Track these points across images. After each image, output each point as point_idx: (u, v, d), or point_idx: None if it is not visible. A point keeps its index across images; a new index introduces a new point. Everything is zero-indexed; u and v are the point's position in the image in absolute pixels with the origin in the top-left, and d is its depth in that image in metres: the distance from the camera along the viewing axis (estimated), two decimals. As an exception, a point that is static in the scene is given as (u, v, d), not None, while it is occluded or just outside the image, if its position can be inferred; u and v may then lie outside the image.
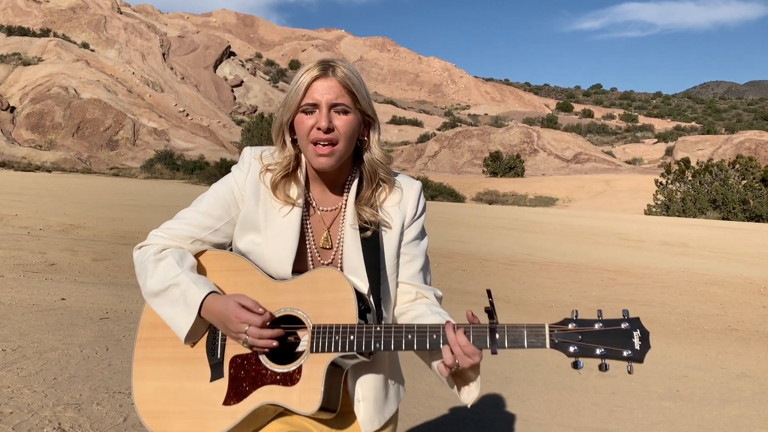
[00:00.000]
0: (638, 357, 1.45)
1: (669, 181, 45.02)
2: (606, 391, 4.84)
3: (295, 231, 1.71)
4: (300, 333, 1.67)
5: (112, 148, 72.31)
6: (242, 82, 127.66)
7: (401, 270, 1.77)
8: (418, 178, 1.88)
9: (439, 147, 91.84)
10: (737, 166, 44.58)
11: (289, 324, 1.65)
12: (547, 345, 1.49)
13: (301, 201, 1.73)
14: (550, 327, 1.51)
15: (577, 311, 1.53)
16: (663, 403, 4.65)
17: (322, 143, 1.64)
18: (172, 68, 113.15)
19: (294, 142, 1.73)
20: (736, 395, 4.93)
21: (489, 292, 1.56)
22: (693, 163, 47.43)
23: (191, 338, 1.66)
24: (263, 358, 1.61)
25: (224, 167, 45.49)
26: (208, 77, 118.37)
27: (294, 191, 1.74)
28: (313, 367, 1.58)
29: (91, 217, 14.93)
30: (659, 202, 43.62)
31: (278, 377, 1.60)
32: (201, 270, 1.73)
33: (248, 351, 1.63)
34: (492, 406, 4.36)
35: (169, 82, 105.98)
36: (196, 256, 1.76)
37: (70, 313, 5.80)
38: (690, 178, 44.22)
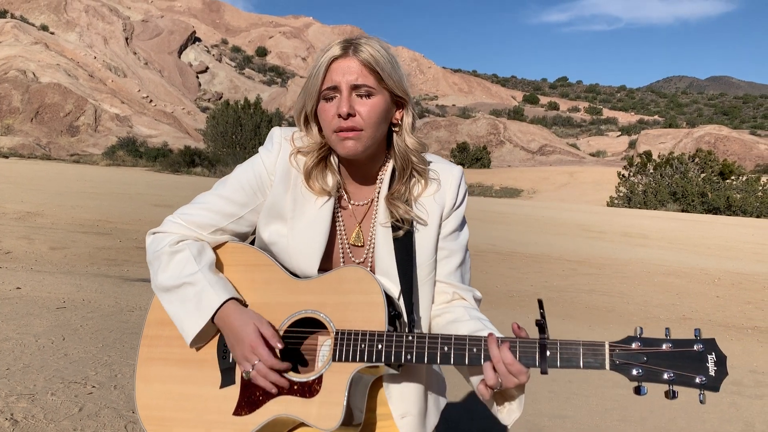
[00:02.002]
0: (713, 385, 1.28)
1: (631, 174, 45.91)
2: (562, 379, 4.94)
3: (326, 224, 1.55)
4: (321, 337, 1.53)
5: (73, 134, 70.60)
6: (207, 68, 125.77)
7: (437, 267, 1.60)
8: None
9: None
10: (697, 159, 45.67)
11: (310, 327, 1.51)
12: (607, 366, 1.31)
13: (336, 191, 1.56)
14: (610, 345, 1.32)
15: (641, 328, 1.34)
16: (617, 390, 4.77)
17: (345, 131, 1.46)
18: (135, 53, 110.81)
19: (321, 130, 1.56)
20: (687, 382, 5.09)
21: (540, 303, 1.36)
22: (655, 156, 48.43)
23: (198, 342, 1.51)
24: None
25: (188, 155, 44.81)
26: (172, 63, 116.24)
27: (330, 180, 1.56)
28: (335, 378, 1.42)
29: (49, 205, 14.58)
30: (621, 194, 44.45)
31: (296, 387, 1.44)
32: (218, 265, 1.57)
33: None
34: (448, 395, 4.41)
35: (132, 67, 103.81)
36: (215, 249, 1.60)
37: (25, 302, 5.67)
38: (651, 170, 45.14)
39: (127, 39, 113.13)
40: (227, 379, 1.49)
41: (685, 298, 9.17)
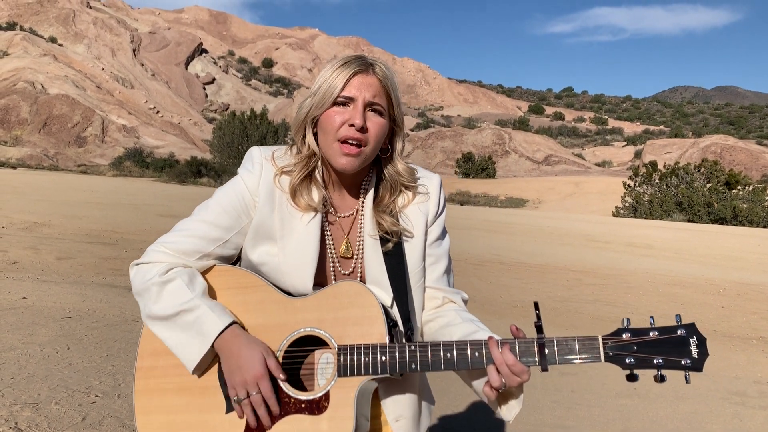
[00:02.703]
0: (697, 365, 1.38)
1: (637, 184, 45.78)
2: (566, 389, 4.94)
3: (316, 240, 1.56)
4: (318, 354, 1.53)
5: (80, 145, 71.03)
6: (214, 79, 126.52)
7: (426, 274, 1.64)
8: None
9: (413, 147, 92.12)
10: (702, 169, 45.52)
11: (311, 345, 1.52)
12: (602, 359, 1.39)
13: (321, 207, 1.57)
14: (603, 338, 1.40)
15: (629, 320, 1.42)
16: (620, 400, 4.77)
17: (351, 142, 1.49)
18: (142, 64, 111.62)
19: (315, 135, 1.57)
20: (690, 392, 5.08)
21: (536, 305, 1.46)
22: (660, 166, 48.31)
23: (200, 369, 1.50)
24: (285, 385, 1.47)
25: (195, 165, 44.99)
26: (179, 74, 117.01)
27: (315, 196, 1.57)
28: (343, 393, 1.44)
29: (56, 215, 14.68)
30: (627, 204, 44.34)
31: (303, 405, 1.45)
32: (209, 289, 1.56)
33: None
34: (450, 405, 4.42)
35: (139, 78, 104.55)
36: (204, 273, 1.58)
37: (31, 312, 5.71)
38: (657, 180, 45.01)
39: (134, 51, 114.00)
40: (232, 404, 1.48)
41: (690, 309, 9.14)
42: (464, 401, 4.35)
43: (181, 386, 1.51)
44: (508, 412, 1.48)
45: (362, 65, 1.51)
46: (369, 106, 1.50)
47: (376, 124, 1.50)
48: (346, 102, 1.49)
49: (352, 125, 1.47)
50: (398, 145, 1.61)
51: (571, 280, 11.11)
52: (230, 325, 1.46)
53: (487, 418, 4.20)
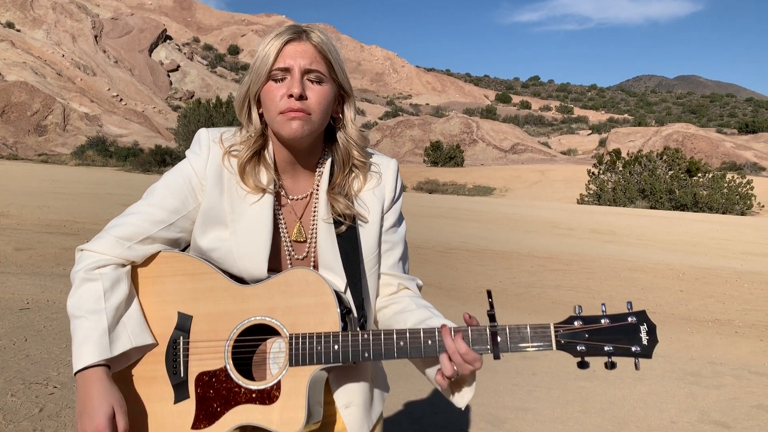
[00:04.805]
0: (646, 352, 1.40)
1: (601, 172, 46.44)
2: (526, 372, 5.04)
3: (269, 222, 1.51)
4: (270, 342, 1.50)
5: (41, 134, 69.25)
6: (179, 66, 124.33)
7: (381, 260, 1.61)
8: None
9: (381, 136, 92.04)
10: (665, 157, 46.37)
11: (262, 334, 1.48)
12: (554, 346, 1.40)
13: (272, 187, 1.52)
14: (555, 326, 1.41)
15: (580, 307, 1.43)
16: (579, 382, 4.87)
17: (293, 112, 1.43)
18: (104, 51, 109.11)
19: (260, 116, 1.52)
20: (647, 374, 5.22)
21: (489, 293, 1.45)
22: (624, 154, 49.06)
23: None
24: (234, 375, 1.44)
25: (159, 154, 44.31)
26: (143, 61, 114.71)
27: (264, 176, 1.52)
28: (294, 382, 1.43)
29: (15, 205, 14.33)
30: (591, 192, 44.97)
31: (254, 395, 1.43)
32: (155, 276, 1.52)
33: (216, 367, 1.46)
34: (413, 389, 4.46)
35: (101, 65, 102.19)
36: (149, 259, 1.53)
37: (-13, 304, 5.59)
38: (621, 168, 45.71)
39: (96, 37, 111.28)
40: (181, 394, 1.46)
41: (650, 293, 9.36)
42: (427, 386, 4.39)
43: (126, 375, 1.47)
44: (461, 398, 1.49)
45: (295, 33, 1.46)
46: (306, 74, 1.44)
47: (316, 92, 1.45)
48: (284, 76, 1.44)
49: (291, 95, 1.42)
50: (349, 112, 1.56)
51: (535, 266, 11.28)
52: (100, 365, 1.39)
53: (449, 402, 4.26)
